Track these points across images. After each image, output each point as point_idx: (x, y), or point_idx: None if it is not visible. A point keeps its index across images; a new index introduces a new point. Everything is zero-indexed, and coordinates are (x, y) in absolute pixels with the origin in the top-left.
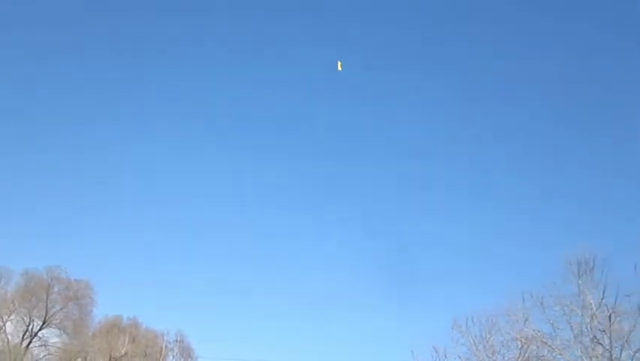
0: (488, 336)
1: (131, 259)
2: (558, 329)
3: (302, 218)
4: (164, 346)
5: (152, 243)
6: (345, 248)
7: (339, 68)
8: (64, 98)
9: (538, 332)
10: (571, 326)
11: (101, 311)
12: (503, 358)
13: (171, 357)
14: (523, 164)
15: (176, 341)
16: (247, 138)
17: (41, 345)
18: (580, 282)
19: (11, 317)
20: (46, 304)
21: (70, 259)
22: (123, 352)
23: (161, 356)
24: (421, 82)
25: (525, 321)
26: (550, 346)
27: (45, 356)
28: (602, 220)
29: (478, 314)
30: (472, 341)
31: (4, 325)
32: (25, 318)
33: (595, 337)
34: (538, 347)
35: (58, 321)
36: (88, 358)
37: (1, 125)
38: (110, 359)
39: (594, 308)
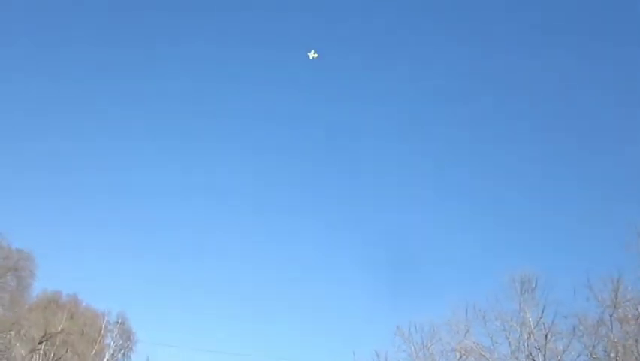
0: (429, 345)
1: (79, 233)
2: (497, 343)
3: (297, 220)
4: (103, 326)
5: (107, 219)
6: (339, 250)
7: (314, 56)
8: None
9: (478, 344)
10: (509, 342)
11: (41, 285)
12: None
13: (110, 338)
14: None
15: (117, 322)
16: (244, 138)
17: None
18: (521, 300)
19: None
20: None
21: (13, 226)
22: (60, 328)
23: (99, 335)
24: (421, 82)
25: (466, 333)
26: (487, 359)
27: None
28: (548, 243)
29: (422, 322)
30: (413, 349)
31: None
32: None
33: (530, 354)
34: (476, 359)
35: None
36: (22, 331)
37: None
38: (45, 334)
39: (532, 326)
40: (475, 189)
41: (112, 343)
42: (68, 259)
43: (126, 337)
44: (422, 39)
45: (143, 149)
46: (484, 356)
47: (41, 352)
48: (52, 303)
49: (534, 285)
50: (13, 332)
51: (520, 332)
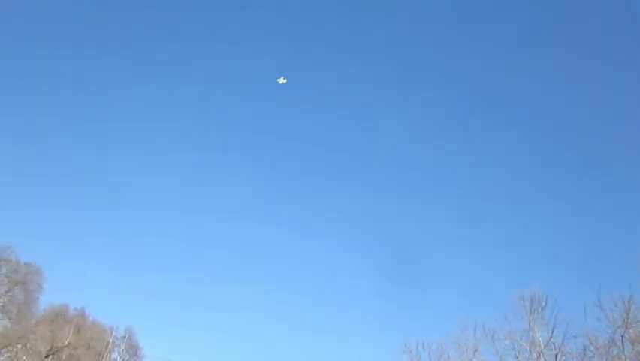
0: None
1: (87, 248)
2: None
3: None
4: (110, 340)
5: (115, 232)
6: (343, 248)
7: (283, 81)
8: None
9: None
10: None
11: (48, 298)
12: None
13: (117, 353)
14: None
15: (124, 337)
16: (247, 137)
17: None
18: (530, 319)
19: None
20: None
21: (21, 239)
22: (66, 342)
23: (106, 350)
24: (422, 83)
25: (474, 352)
26: None
27: None
28: (559, 261)
29: (429, 340)
30: None
31: None
32: None
33: None
34: None
35: (1, 305)
36: (29, 345)
37: None
38: (51, 348)
39: (542, 346)
40: (484, 208)
41: (119, 358)
42: (76, 273)
43: (133, 352)
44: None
45: (148, 159)
46: None
47: None
48: (59, 317)
49: (544, 304)
50: (20, 346)
51: (530, 351)
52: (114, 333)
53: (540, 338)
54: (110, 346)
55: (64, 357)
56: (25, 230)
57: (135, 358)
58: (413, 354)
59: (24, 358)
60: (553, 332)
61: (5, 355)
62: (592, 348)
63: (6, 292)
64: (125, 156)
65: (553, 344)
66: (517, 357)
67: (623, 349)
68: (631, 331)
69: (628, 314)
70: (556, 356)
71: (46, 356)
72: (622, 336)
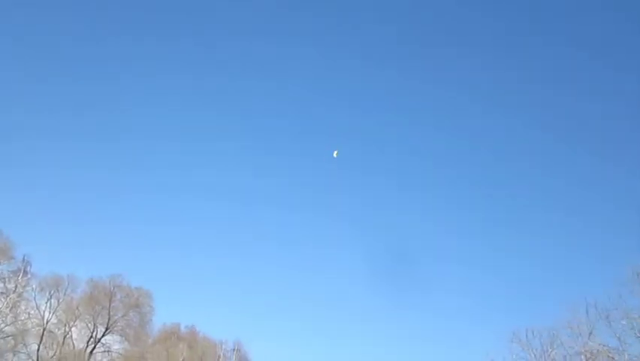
0: (550, 350)
1: (191, 269)
2: (626, 343)
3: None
4: (222, 354)
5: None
6: (344, 251)
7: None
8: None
9: (605, 346)
10: None
11: (160, 319)
12: None
13: None
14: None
15: (234, 349)
16: (248, 139)
17: (104, 351)
18: None
19: (76, 323)
20: (109, 312)
21: (132, 267)
22: (181, 359)
23: None
24: (423, 84)
25: (589, 335)
26: None
27: None
28: None
29: (539, 327)
30: (532, 355)
31: (70, 330)
32: (89, 324)
33: None
34: None
35: (120, 328)
36: None
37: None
38: None
39: None
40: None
41: None
42: (184, 292)
43: None
44: (435, 54)
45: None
46: (612, 358)
47: None
48: (172, 335)
49: None
50: None
51: None
52: (224, 346)
53: None
54: (221, 359)
55: None
56: (131, 260)
57: None
58: (523, 342)
59: None
60: None
61: None
62: None
63: (122, 316)
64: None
65: None
66: (638, 336)
67: None
68: None
69: None
70: None
71: None
72: None
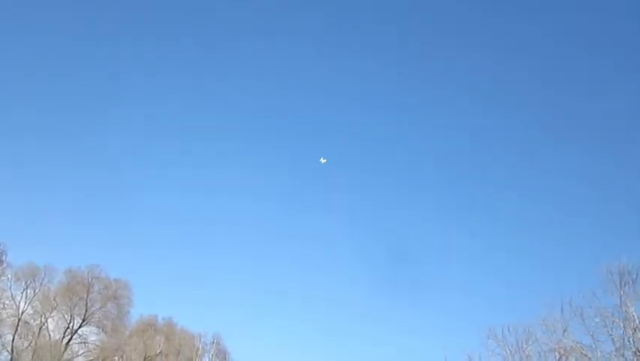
0: (525, 346)
1: (169, 259)
2: (599, 341)
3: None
4: (200, 346)
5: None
6: (346, 250)
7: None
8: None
9: (578, 343)
10: (612, 339)
11: (137, 310)
12: None
13: (207, 358)
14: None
15: (213, 342)
16: (248, 137)
17: (81, 342)
18: (622, 293)
19: (53, 314)
20: (87, 303)
21: (110, 257)
22: (158, 351)
23: (196, 356)
24: (425, 84)
25: (564, 332)
26: (590, 358)
27: (84, 353)
28: None
29: (515, 324)
30: (507, 351)
31: (46, 321)
32: (66, 315)
33: (638, 350)
34: (577, 359)
35: (97, 320)
36: (124, 356)
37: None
38: (145, 358)
39: (637, 321)
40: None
41: None
42: (162, 284)
43: (222, 356)
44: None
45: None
46: (585, 355)
47: None
48: (149, 327)
49: (635, 276)
50: (117, 357)
51: (624, 327)
52: (202, 339)
53: (634, 313)
54: (199, 352)
55: None
56: (109, 249)
57: None
58: (499, 338)
59: None
60: None
61: None
62: None
63: (100, 307)
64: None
65: None
66: (611, 334)
67: None
68: None
69: None
70: None
71: None
72: None
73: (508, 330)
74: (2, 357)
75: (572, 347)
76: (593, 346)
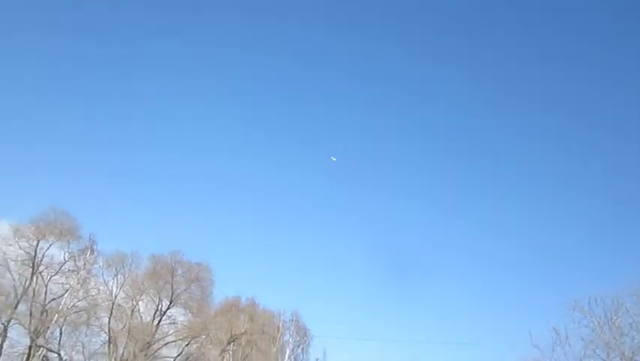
0: (615, 318)
1: (248, 243)
2: None
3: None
4: (280, 325)
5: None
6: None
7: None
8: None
9: None
10: None
11: (219, 292)
12: (632, 340)
13: (288, 335)
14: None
15: (292, 320)
16: (256, 135)
17: (170, 323)
18: None
19: (142, 297)
20: (172, 286)
21: (190, 244)
22: (243, 330)
23: (278, 333)
24: (425, 84)
25: None
26: None
27: (173, 332)
28: None
29: (602, 295)
30: (596, 323)
31: (137, 304)
32: (154, 298)
33: None
34: None
35: (183, 301)
36: (210, 334)
37: None
38: (230, 335)
39: None
40: None
41: (290, 339)
42: (242, 266)
43: (302, 333)
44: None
45: None
46: None
47: (230, 352)
48: (233, 308)
49: None
50: (204, 336)
51: None
52: (282, 318)
53: None
54: (281, 329)
55: (243, 343)
56: (188, 237)
57: (305, 338)
58: (585, 310)
59: (209, 346)
60: None
61: (194, 345)
62: None
63: (185, 290)
64: None
65: None
66: None
67: None
68: None
69: None
70: None
71: (228, 343)
72: None
73: (595, 301)
74: (101, 338)
75: None
76: None
